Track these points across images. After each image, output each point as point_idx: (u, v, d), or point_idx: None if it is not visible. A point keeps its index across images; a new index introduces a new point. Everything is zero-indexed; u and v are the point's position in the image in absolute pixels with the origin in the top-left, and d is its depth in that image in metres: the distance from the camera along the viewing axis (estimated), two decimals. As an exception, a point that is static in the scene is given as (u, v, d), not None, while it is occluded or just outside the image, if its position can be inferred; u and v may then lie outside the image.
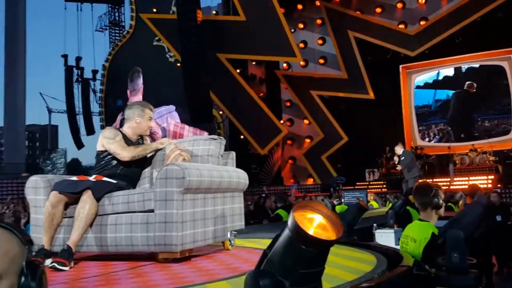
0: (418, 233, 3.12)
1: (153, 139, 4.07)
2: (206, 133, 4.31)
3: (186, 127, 4.33)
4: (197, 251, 3.42)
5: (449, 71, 20.39)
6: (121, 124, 3.89)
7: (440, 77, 20.61)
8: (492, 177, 15.72)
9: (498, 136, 18.71)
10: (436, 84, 20.67)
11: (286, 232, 1.42)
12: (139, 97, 19.70)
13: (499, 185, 14.71)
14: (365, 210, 5.05)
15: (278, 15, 17.78)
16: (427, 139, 20.43)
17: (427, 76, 20.77)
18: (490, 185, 14.88)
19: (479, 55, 19.21)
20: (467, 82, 19.70)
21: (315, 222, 1.41)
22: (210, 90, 16.97)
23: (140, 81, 20.16)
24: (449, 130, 20.04)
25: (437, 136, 20.46)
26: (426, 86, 20.78)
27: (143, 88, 19.34)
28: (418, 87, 20.78)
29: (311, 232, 1.37)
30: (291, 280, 1.40)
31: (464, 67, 19.98)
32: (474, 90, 19.53)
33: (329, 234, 1.38)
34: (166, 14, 19.66)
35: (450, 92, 20.36)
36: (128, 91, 20.44)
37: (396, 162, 11.94)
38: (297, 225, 1.36)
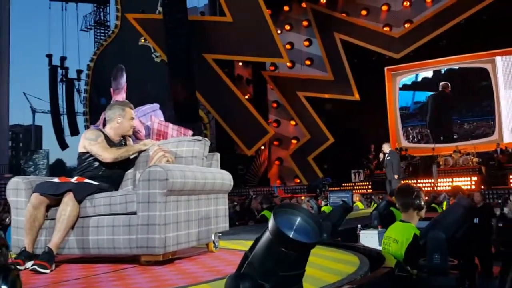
0: (400, 234, 3.14)
1: (136, 138, 4.05)
2: (190, 132, 4.29)
3: (170, 125, 4.31)
4: (181, 253, 3.40)
5: (428, 73, 20.61)
6: (105, 124, 3.86)
7: (419, 79, 20.82)
8: (476, 178, 15.89)
9: (479, 138, 18.97)
10: (415, 86, 20.88)
11: (266, 235, 1.42)
12: (122, 95, 19.62)
13: (482, 186, 14.87)
14: (350, 211, 5.07)
15: (265, 16, 17.80)
16: (406, 141, 20.58)
17: (405, 78, 20.97)
18: (473, 186, 15.03)
19: (463, 57, 19.45)
20: (442, 83, 19.99)
21: (295, 225, 1.41)
22: (197, 91, 16.93)
23: (124, 79, 20.01)
24: (427, 132, 20.22)
25: (415, 138, 20.63)
26: (405, 88, 20.96)
27: (127, 86, 19.33)
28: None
29: (291, 234, 1.37)
30: (272, 283, 1.40)
31: (443, 69, 20.21)
32: (450, 90, 19.80)
33: (309, 237, 1.38)
34: (152, 14, 19.57)
35: (429, 94, 20.60)
36: (111, 90, 20.35)
37: (381, 159, 11.96)
38: (278, 227, 1.36)
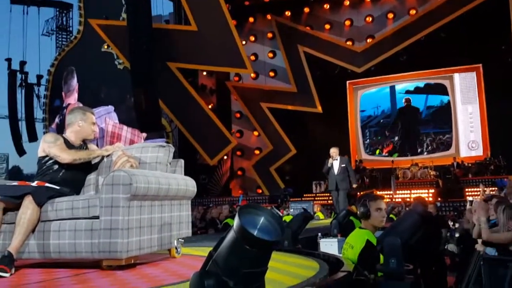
0: (356, 240, 3.26)
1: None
2: (144, 134, 4.32)
3: (125, 127, 4.34)
4: (143, 258, 3.41)
5: (393, 87, 21.17)
6: (59, 125, 3.85)
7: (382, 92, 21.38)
8: (433, 191, 16.35)
9: (438, 152, 19.58)
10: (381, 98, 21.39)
11: (231, 233, 1.47)
12: (74, 96, 19.44)
13: (439, 199, 15.30)
14: (311, 219, 5.17)
15: (230, 27, 17.88)
16: (366, 153, 20.93)
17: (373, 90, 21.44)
18: (431, 199, 15.45)
19: (422, 73, 20.10)
20: (404, 98, 20.63)
21: (259, 224, 1.47)
22: (160, 99, 16.82)
23: (74, 80, 19.85)
24: (395, 145, 20.68)
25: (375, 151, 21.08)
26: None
27: (81, 88, 19.07)
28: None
29: (255, 233, 1.43)
30: (235, 280, 1.45)
31: (407, 83, 20.79)
32: (411, 103, 20.42)
33: (272, 235, 1.44)
34: (115, 20, 19.37)
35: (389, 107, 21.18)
36: (63, 93, 20.06)
37: (329, 165, 10.23)
38: (243, 226, 1.42)
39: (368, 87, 21.29)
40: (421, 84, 20.66)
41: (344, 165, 10.14)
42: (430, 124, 20.54)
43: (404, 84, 20.92)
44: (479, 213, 5.02)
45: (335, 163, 10.14)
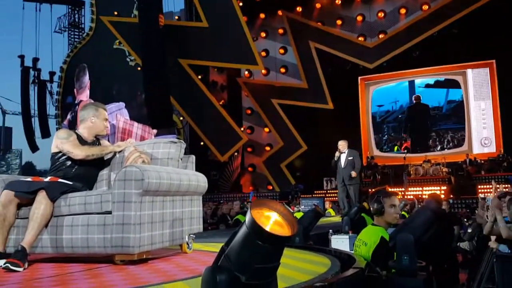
0: (369, 237, 3.23)
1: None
2: (155, 131, 4.32)
3: (135, 124, 4.34)
4: (155, 253, 3.42)
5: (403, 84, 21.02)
6: (71, 122, 3.86)
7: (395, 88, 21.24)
8: (445, 187, 16.24)
9: (449, 149, 19.44)
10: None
11: (243, 229, 1.47)
12: (86, 93, 19.57)
13: (451, 196, 15.19)
14: (321, 216, 5.15)
15: (241, 23, 17.87)
16: (377, 150, 20.84)
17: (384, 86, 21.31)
18: (443, 196, 15.34)
19: (435, 69, 19.94)
20: (414, 95, 20.50)
21: (271, 219, 1.47)
22: (171, 96, 16.88)
23: (86, 77, 20.01)
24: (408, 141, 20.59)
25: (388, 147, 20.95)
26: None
27: (93, 85, 19.21)
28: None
29: (267, 228, 1.43)
30: (248, 275, 1.45)
31: (418, 80, 20.63)
32: (420, 100, 20.25)
33: (284, 231, 1.44)
34: (127, 17, 19.45)
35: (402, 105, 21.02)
36: (75, 90, 20.23)
37: (336, 159, 9.76)
38: (255, 221, 1.42)
39: (380, 83, 21.17)
40: (441, 78, 20.45)
41: (351, 157, 9.61)
42: (451, 119, 20.37)
43: (422, 78, 20.74)
44: (495, 210, 4.97)
45: (343, 156, 9.68)
